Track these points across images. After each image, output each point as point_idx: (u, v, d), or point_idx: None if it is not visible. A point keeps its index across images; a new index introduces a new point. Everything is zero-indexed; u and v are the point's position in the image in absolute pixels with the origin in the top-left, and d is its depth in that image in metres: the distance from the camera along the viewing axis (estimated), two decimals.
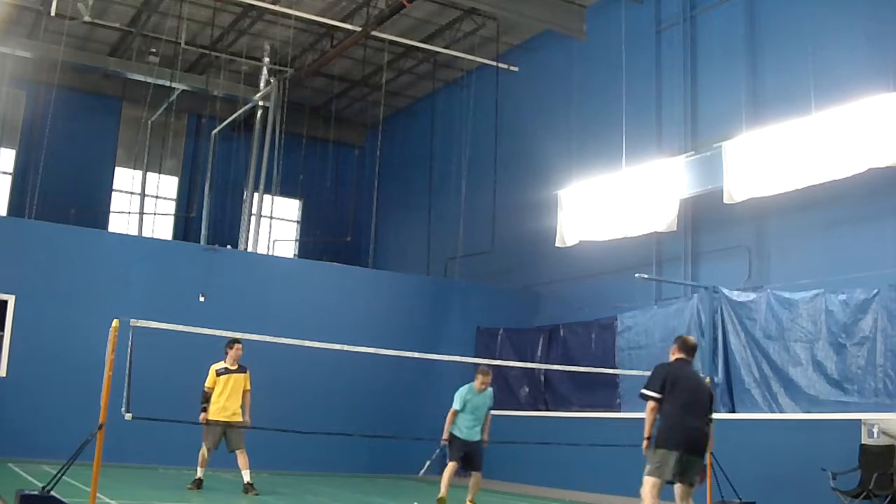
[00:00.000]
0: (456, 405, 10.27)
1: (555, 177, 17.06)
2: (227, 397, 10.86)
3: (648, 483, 6.74)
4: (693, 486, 6.94)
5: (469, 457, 10.31)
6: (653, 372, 7.17)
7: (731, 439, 10.96)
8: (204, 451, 10.91)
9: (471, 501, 10.42)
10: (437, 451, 10.60)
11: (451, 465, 10.33)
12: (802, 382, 11.63)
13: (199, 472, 10.94)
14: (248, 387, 11.05)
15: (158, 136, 22.52)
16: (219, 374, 10.96)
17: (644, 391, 7.05)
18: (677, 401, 6.88)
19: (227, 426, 10.83)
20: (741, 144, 12.83)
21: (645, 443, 6.92)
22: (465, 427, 10.28)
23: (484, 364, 11.02)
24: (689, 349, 7.30)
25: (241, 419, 10.94)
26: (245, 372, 11.07)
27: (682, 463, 6.72)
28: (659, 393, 6.92)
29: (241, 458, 10.79)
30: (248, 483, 10.72)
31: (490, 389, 10.49)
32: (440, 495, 10.14)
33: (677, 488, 6.89)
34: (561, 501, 12.58)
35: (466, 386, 10.40)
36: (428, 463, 10.45)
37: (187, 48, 19.92)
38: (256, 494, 10.52)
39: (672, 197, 14.03)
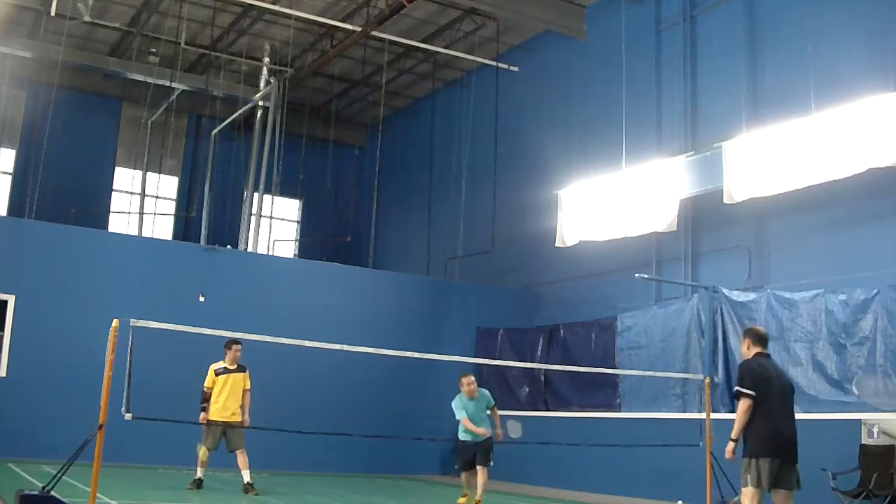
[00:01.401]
0: (460, 415, 10.52)
1: (555, 177, 17.06)
2: (226, 397, 10.87)
3: (748, 494, 6.42)
4: (792, 490, 6.58)
5: (473, 456, 10.54)
6: (743, 370, 6.70)
7: None
8: (203, 451, 10.90)
9: (477, 502, 10.45)
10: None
11: (463, 475, 10.80)
12: (802, 382, 11.62)
13: (199, 473, 10.93)
14: (248, 386, 11.05)
15: (158, 136, 22.52)
16: (217, 373, 10.96)
17: (741, 389, 6.53)
18: (769, 405, 6.47)
19: (226, 426, 10.83)
20: (741, 144, 12.82)
21: (731, 445, 6.49)
22: (466, 432, 10.57)
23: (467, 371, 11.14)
24: (764, 340, 6.87)
25: (240, 419, 10.94)
26: (244, 371, 11.07)
27: (779, 471, 6.41)
28: (755, 391, 6.47)
29: (241, 458, 10.78)
30: (247, 483, 10.72)
31: (484, 392, 10.73)
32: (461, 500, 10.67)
33: (777, 495, 6.57)
34: (561, 501, 12.57)
35: (457, 396, 10.64)
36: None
37: (187, 48, 19.93)
38: (256, 494, 10.52)
39: (672, 197, 14.02)
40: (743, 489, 6.50)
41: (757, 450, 6.42)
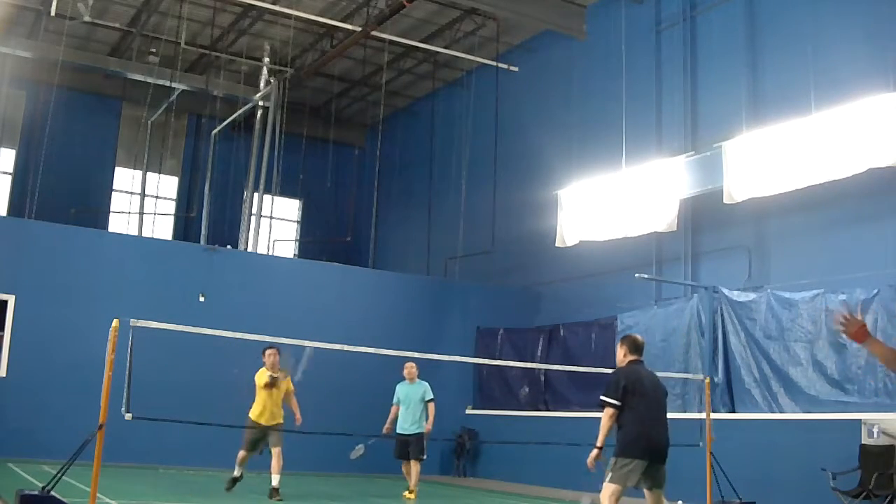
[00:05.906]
0: (394, 400, 11.72)
1: (555, 177, 17.06)
2: (273, 402, 10.66)
3: (609, 489, 6.55)
4: (663, 488, 6.74)
5: (406, 447, 11.45)
6: (612, 379, 6.85)
7: (731, 439, 10.97)
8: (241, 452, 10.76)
9: (410, 491, 11.29)
10: (373, 439, 11.77)
11: (403, 466, 11.72)
12: (802, 382, 11.63)
13: (237, 471, 10.71)
14: (291, 387, 10.94)
15: (158, 136, 22.53)
16: (267, 385, 10.62)
17: (604, 398, 6.72)
18: (639, 409, 6.65)
19: (267, 429, 10.59)
20: (741, 144, 12.82)
21: (595, 452, 6.65)
22: (401, 420, 11.58)
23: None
24: (640, 349, 7.06)
25: (280, 421, 10.74)
26: (287, 377, 10.88)
27: (649, 472, 6.58)
28: (619, 400, 6.66)
29: (275, 461, 10.53)
30: (273, 487, 10.43)
31: (424, 383, 11.72)
32: (407, 493, 11.46)
33: (649, 494, 6.73)
34: (561, 501, 12.58)
35: (401, 382, 11.82)
36: (362, 447, 11.81)
37: (187, 48, 19.92)
38: (280, 500, 10.28)
39: (672, 197, 14.03)
40: (605, 483, 6.64)
41: (626, 451, 6.58)
